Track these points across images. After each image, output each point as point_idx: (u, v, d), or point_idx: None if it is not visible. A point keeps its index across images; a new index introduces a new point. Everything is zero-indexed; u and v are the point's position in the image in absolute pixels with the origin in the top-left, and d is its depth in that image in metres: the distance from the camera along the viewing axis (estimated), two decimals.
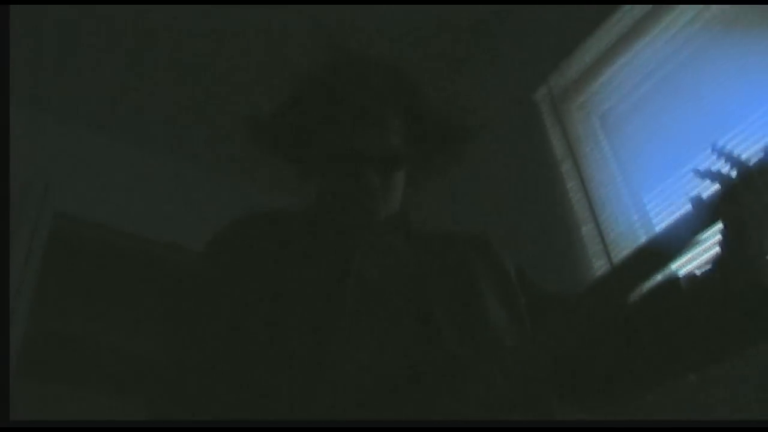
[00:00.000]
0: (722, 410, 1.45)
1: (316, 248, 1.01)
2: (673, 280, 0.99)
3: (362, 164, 1.03)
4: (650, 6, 2.16)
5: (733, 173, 0.94)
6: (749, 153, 1.00)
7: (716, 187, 0.95)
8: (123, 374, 3.62)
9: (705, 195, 0.96)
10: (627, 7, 2.24)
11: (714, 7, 1.95)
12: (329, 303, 0.92)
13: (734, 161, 0.95)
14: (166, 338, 0.99)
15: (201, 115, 2.98)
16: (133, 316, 3.54)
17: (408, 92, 1.10)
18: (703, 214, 0.93)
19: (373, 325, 0.90)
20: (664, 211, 1.91)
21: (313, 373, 0.85)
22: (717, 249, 0.97)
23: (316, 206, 1.14)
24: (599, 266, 2.03)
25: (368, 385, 0.83)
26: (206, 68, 2.82)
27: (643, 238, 1.89)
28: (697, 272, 1.00)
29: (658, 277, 0.97)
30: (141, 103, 2.92)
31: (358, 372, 0.85)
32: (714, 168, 0.97)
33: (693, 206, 0.94)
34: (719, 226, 0.95)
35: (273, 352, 0.89)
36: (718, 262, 0.96)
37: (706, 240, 0.96)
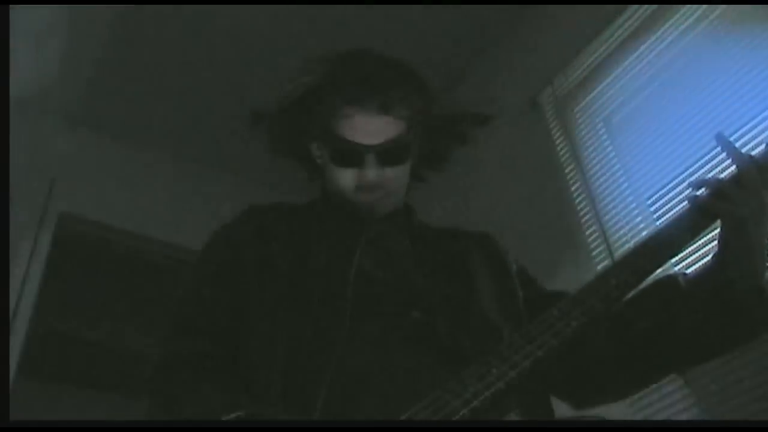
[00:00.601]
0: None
1: (318, 242, 1.01)
2: (672, 278, 0.99)
3: (365, 156, 1.03)
4: (654, 8, 2.16)
5: (734, 167, 0.94)
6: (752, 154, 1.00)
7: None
8: (128, 375, 3.62)
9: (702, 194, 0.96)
10: (631, 9, 2.24)
11: (717, 9, 1.95)
12: (330, 299, 0.92)
13: (736, 155, 0.95)
14: (170, 329, 0.99)
15: (205, 115, 2.99)
16: (138, 317, 3.55)
17: (413, 85, 1.09)
18: (701, 212, 0.93)
19: (371, 321, 0.90)
20: (667, 214, 1.91)
21: (313, 367, 0.85)
22: (715, 247, 0.97)
23: (320, 200, 1.15)
24: (603, 268, 2.03)
25: (366, 377, 0.83)
26: (209, 68, 2.83)
27: None
28: (696, 270, 1.00)
29: (657, 274, 0.96)
30: (146, 104, 2.93)
31: (356, 364, 0.85)
32: (710, 174, 0.98)
33: (690, 205, 0.94)
34: (718, 224, 0.95)
35: (273, 347, 0.89)
36: (715, 260, 0.96)
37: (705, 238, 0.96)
